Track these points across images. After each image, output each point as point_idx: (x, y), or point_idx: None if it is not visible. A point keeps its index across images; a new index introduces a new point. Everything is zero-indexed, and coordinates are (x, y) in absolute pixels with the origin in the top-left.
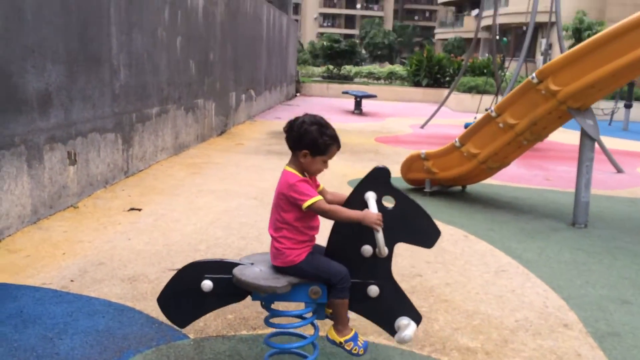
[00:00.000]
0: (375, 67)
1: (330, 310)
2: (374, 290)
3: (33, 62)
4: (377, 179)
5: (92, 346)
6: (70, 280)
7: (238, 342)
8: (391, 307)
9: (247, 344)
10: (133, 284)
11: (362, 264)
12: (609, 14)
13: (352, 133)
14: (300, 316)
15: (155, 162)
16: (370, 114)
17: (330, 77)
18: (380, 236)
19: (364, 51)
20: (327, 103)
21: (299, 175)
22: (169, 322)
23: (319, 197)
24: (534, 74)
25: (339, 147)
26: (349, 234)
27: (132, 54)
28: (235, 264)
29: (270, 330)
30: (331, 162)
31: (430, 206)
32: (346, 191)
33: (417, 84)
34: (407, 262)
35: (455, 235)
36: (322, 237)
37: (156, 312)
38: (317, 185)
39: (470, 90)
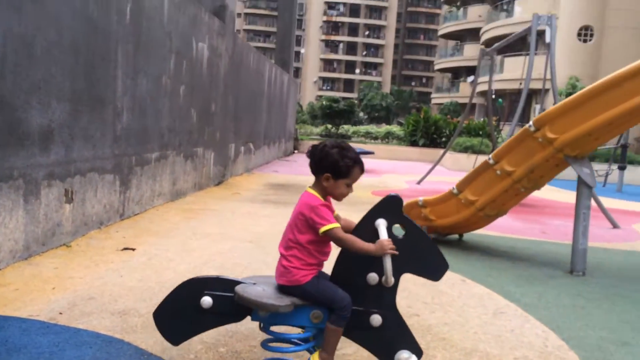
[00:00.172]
0: (372, 127)
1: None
2: (376, 319)
3: (39, 98)
4: (389, 206)
5: None
6: (58, 313)
7: None
8: (392, 339)
9: None
10: (123, 318)
11: (367, 291)
12: None
13: None
14: (299, 340)
15: (151, 206)
16: (368, 171)
17: (328, 136)
18: (389, 263)
19: (362, 114)
20: None
21: (321, 199)
22: (158, 353)
23: (337, 225)
24: (531, 122)
25: (362, 170)
26: (356, 261)
27: (136, 98)
28: (237, 282)
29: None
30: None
31: None
32: None
33: (413, 144)
34: (404, 302)
35: (453, 279)
36: (328, 264)
37: (146, 344)
38: (332, 211)
39: (466, 150)
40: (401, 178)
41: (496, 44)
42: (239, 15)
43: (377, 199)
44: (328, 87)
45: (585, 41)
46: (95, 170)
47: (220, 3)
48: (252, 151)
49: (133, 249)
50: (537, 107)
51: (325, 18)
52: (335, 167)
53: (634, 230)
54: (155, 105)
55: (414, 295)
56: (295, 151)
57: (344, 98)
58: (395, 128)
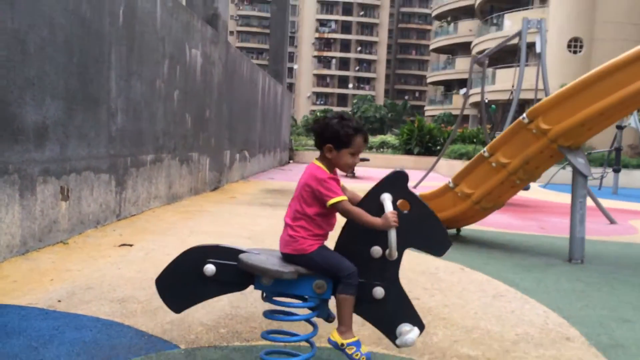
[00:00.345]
0: None
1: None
2: (379, 291)
3: (32, 94)
4: (395, 182)
5: (78, 354)
6: (57, 301)
7: (231, 351)
8: (395, 312)
9: (241, 352)
10: (122, 304)
11: (370, 264)
12: None
13: None
14: (301, 308)
15: (148, 208)
16: (364, 178)
17: None
18: (393, 236)
19: None
20: None
21: (328, 172)
22: (158, 335)
23: (344, 197)
24: (524, 114)
25: (365, 139)
26: (360, 233)
27: (130, 100)
28: (241, 251)
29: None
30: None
31: None
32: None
33: (408, 152)
34: (404, 287)
35: (451, 268)
36: (331, 239)
37: (146, 327)
38: (339, 183)
39: (461, 156)
40: None
41: (488, 50)
42: (231, 33)
43: None
44: (322, 102)
45: (575, 52)
46: (91, 169)
47: (212, 12)
48: (248, 159)
49: (130, 245)
50: None
51: (317, 35)
52: (336, 137)
53: (630, 226)
54: (150, 108)
55: (413, 282)
56: (291, 161)
57: None
58: (389, 137)
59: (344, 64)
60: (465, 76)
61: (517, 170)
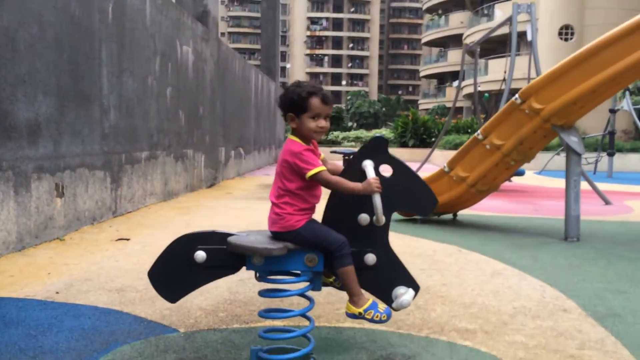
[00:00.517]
0: (362, 132)
1: (330, 279)
2: (371, 258)
3: (24, 91)
4: (375, 148)
5: (77, 340)
6: (55, 293)
7: (230, 333)
8: (389, 276)
9: (240, 334)
10: (121, 294)
11: (359, 232)
12: None
13: None
14: (296, 282)
15: (144, 205)
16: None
17: (318, 143)
18: (378, 201)
19: (350, 122)
20: None
21: (303, 144)
22: (157, 320)
23: (323, 168)
24: (517, 95)
25: (324, 100)
26: (346, 203)
27: (123, 97)
28: (230, 234)
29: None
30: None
31: (422, 230)
32: None
33: (403, 145)
34: None
35: (448, 250)
36: (318, 211)
37: (145, 314)
38: (319, 155)
39: (456, 147)
40: None
41: (479, 38)
42: (222, 34)
43: None
44: None
45: (566, 39)
46: (85, 166)
47: (202, 9)
48: (243, 156)
49: (127, 239)
50: None
51: (308, 33)
52: (293, 104)
53: (625, 206)
54: (143, 105)
55: (410, 264)
56: None
57: None
58: (384, 131)
59: (336, 61)
60: (458, 68)
61: (511, 151)
